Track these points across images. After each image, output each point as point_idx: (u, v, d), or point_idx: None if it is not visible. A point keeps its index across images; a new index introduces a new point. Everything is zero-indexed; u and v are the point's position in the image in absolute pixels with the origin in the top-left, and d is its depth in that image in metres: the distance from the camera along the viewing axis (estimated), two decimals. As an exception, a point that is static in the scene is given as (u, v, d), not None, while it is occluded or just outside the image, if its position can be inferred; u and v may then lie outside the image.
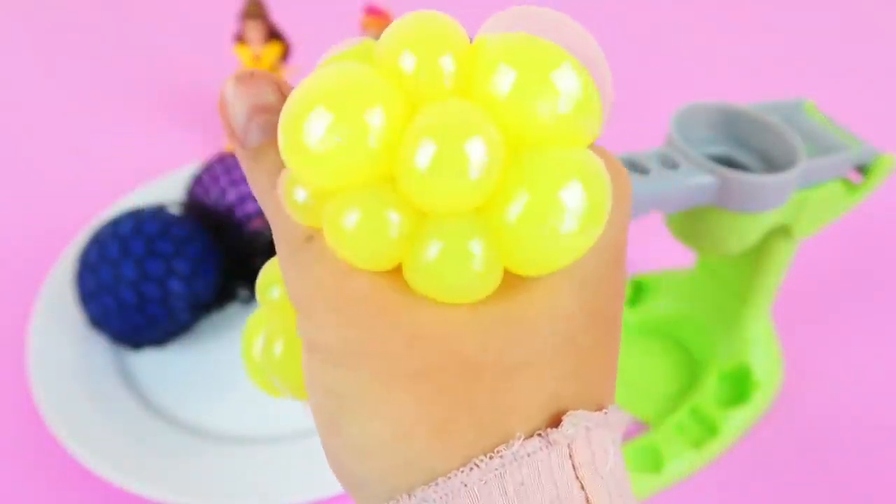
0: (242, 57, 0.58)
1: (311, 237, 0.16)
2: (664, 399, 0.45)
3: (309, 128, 0.14)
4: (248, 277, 0.50)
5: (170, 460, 0.41)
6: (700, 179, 0.33)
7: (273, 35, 0.59)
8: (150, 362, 0.47)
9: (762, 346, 0.44)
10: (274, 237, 0.17)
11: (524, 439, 0.15)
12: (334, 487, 0.39)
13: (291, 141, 0.15)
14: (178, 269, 0.44)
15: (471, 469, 0.15)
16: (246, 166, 0.18)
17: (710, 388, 0.44)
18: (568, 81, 0.14)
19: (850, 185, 0.38)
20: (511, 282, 0.16)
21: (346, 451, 0.16)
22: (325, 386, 0.16)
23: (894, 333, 0.50)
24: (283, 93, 0.17)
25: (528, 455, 0.15)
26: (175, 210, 0.48)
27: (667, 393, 0.45)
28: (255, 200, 0.49)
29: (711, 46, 0.78)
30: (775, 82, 0.72)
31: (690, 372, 0.46)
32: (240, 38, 0.59)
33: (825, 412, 0.45)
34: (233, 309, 0.50)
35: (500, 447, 0.15)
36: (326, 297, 0.16)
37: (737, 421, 0.43)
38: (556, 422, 0.15)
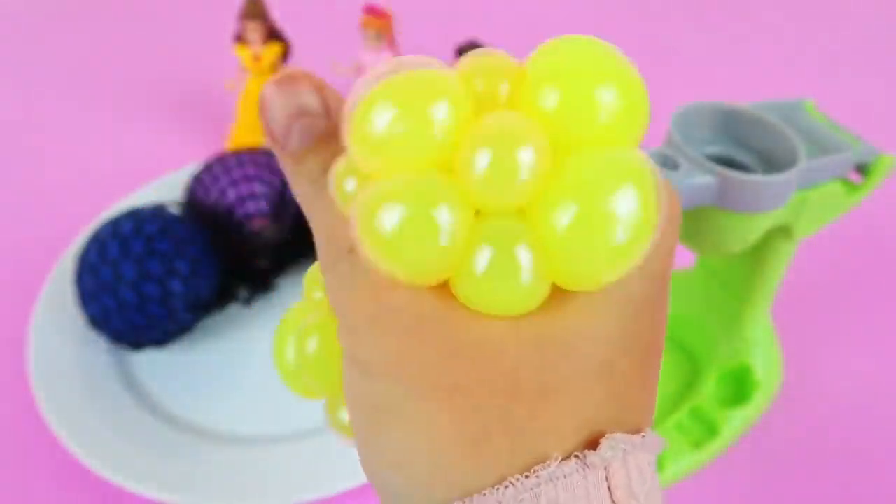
0: (242, 57, 0.58)
1: (355, 248, 0.16)
2: (664, 399, 0.45)
3: (377, 111, 0.15)
4: (248, 277, 0.50)
5: (170, 460, 0.41)
6: (700, 179, 0.33)
7: (273, 35, 0.59)
8: (150, 362, 0.47)
9: (762, 346, 0.44)
10: (316, 244, 0.17)
11: (561, 460, 0.15)
12: (334, 487, 0.39)
13: (358, 122, 0.15)
14: (178, 268, 0.44)
15: (506, 487, 0.15)
16: (288, 170, 0.17)
17: (710, 388, 0.44)
18: (608, 96, 0.15)
19: (850, 185, 0.38)
20: (554, 301, 0.16)
21: (382, 461, 0.16)
22: (364, 397, 0.16)
23: (894, 333, 0.50)
24: (323, 96, 0.17)
25: (565, 476, 0.15)
26: (175, 210, 0.48)
27: (667, 393, 0.45)
28: (254, 200, 0.49)
29: (711, 46, 0.78)
30: (775, 82, 0.72)
31: (690, 372, 0.46)
32: (240, 39, 0.59)
33: (825, 412, 0.45)
34: (233, 309, 0.50)
35: (537, 467, 0.15)
36: (366, 309, 0.15)
37: (737, 421, 0.43)
38: (592, 443, 0.15)
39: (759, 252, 0.40)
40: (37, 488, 0.42)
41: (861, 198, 0.39)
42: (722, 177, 0.33)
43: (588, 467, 0.15)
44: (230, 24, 0.61)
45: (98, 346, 0.47)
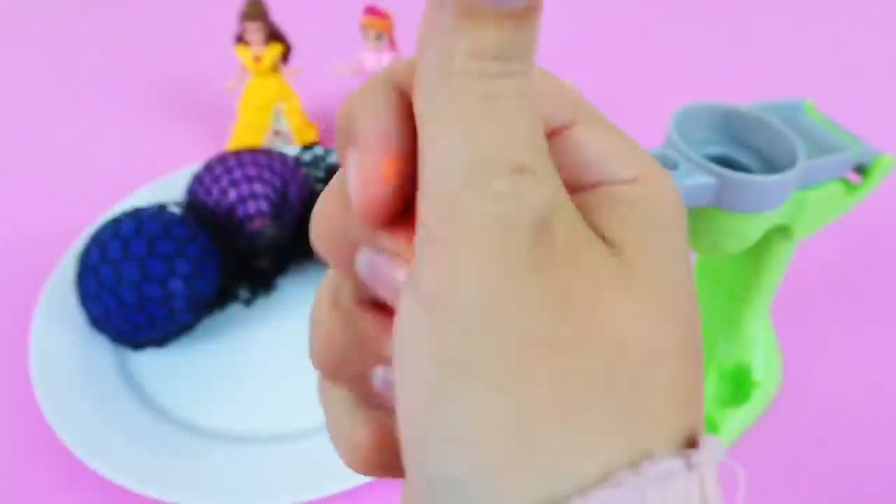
0: (243, 58, 0.59)
1: (526, 167, 0.12)
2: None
3: None
4: (248, 277, 0.50)
5: (170, 460, 0.41)
6: (699, 180, 0.33)
7: (273, 36, 0.59)
8: (150, 362, 0.47)
9: (762, 345, 0.44)
10: (440, 149, 0.13)
11: (666, 456, 0.13)
12: (333, 487, 0.39)
13: None
14: (178, 269, 0.44)
15: (615, 487, 0.12)
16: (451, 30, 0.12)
17: (709, 388, 0.44)
18: None
19: (849, 186, 0.39)
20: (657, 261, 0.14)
21: (445, 439, 0.12)
22: (438, 352, 0.13)
23: (894, 333, 0.50)
24: None
25: (669, 477, 0.12)
26: (176, 210, 0.48)
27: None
28: (255, 200, 0.49)
29: (711, 46, 0.78)
30: (775, 82, 0.72)
31: (690, 372, 0.46)
32: (240, 39, 0.59)
33: (825, 412, 0.45)
34: (233, 309, 0.50)
35: (644, 462, 0.12)
36: (482, 241, 0.12)
37: (737, 420, 0.43)
38: (689, 440, 0.13)
39: (759, 252, 0.40)
40: (37, 487, 0.42)
41: (860, 198, 0.39)
42: (721, 177, 0.33)
43: (691, 468, 0.13)
44: (231, 25, 0.61)
45: (99, 346, 0.47)
